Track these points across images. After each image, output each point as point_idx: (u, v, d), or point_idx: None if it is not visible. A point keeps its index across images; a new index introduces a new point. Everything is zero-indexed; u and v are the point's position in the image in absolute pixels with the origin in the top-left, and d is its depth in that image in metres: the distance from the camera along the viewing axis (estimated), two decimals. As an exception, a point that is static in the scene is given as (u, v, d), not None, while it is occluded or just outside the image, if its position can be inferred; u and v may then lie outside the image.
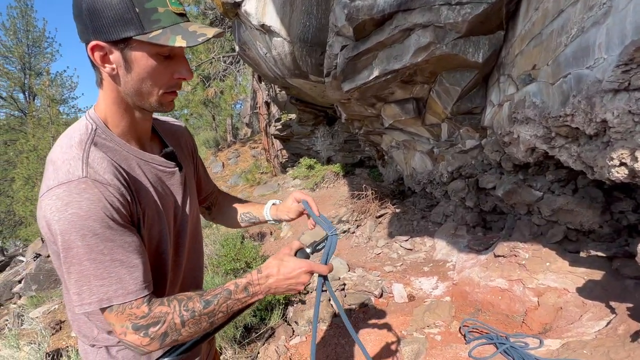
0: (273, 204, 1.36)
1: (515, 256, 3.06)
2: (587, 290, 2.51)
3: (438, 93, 3.28)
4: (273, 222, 1.35)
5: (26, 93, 18.59)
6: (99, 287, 0.80)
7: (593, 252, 2.69)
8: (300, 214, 1.30)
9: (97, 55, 0.82)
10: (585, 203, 2.76)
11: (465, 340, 2.56)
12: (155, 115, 1.12)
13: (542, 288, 2.73)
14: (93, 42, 0.80)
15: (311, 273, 0.99)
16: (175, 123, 1.23)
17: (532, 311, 2.67)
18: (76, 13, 0.82)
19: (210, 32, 0.83)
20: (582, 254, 2.76)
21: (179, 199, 1.06)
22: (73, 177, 0.78)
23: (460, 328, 2.71)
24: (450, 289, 3.36)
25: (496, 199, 3.73)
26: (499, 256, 3.20)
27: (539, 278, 2.78)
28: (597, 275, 2.55)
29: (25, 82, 18.42)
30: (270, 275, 0.95)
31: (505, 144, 2.86)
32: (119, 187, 0.83)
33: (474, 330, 2.64)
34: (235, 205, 1.41)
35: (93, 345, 1.00)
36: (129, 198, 0.85)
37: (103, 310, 0.83)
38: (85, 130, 0.87)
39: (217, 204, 1.42)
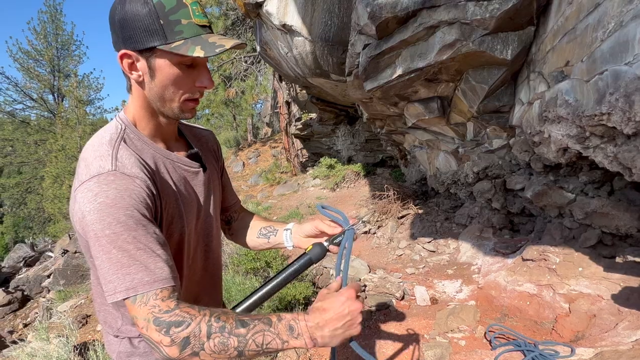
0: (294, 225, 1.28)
1: (545, 260, 2.95)
2: (624, 298, 2.39)
3: (464, 91, 3.20)
4: (290, 242, 1.25)
5: (55, 94, 19.29)
6: (125, 275, 0.80)
7: (630, 258, 2.57)
8: (316, 234, 1.19)
9: (126, 62, 0.89)
10: (622, 206, 2.63)
11: (491, 346, 2.49)
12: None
13: (574, 294, 2.62)
14: (122, 51, 0.87)
15: (357, 295, 0.88)
16: (203, 129, 1.27)
17: (563, 318, 2.57)
18: (110, 24, 0.89)
19: (229, 43, 0.87)
20: (618, 260, 2.65)
21: (202, 199, 1.09)
22: (103, 170, 0.83)
23: (485, 333, 2.64)
24: (475, 292, 3.27)
25: (525, 200, 3.61)
26: (527, 260, 3.10)
27: (570, 284, 2.68)
28: (635, 282, 2.44)
29: (55, 84, 19.11)
30: (318, 315, 0.84)
31: (535, 143, 2.76)
32: (146, 180, 0.87)
33: (501, 336, 2.56)
34: (257, 220, 1.36)
35: (117, 336, 1.03)
36: (154, 192, 0.89)
37: (128, 300, 0.82)
38: (115, 130, 0.93)
39: (238, 219, 1.38)
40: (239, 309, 1.03)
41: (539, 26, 2.55)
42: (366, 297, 3.39)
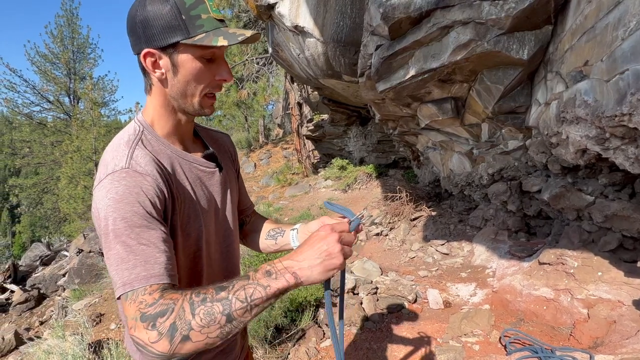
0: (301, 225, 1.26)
1: (563, 264, 2.89)
2: (645, 304, 2.33)
3: (478, 92, 3.15)
4: (296, 242, 1.23)
5: (71, 97, 19.65)
6: (124, 270, 0.78)
7: (652, 263, 2.50)
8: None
9: (149, 61, 0.90)
10: (644, 209, 2.56)
11: (506, 351, 2.45)
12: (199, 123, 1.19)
13: (593, 299, 2.56)
14: (145, 50, 0.89)
15: (339, 233, 0.85)
16: (219, 131, 1.29)
17: (581, 324, 2.51)
18: (130, 27, 0.91)
19: (248, 32, 0.91)
20: None
21: (219, 199, 1.10)
22: (117, 168, 0.85)
23: (500, 338, 2.60)
24: (489, 296, 3.22)
25: (541, 203, 3.54)
26: (544, 264, 3.04)
27: (589, 288, 2.61)
28: (657, 287, 2.37)
29: (70, 86, 19.46)
30: (294, 255, 0.83)
31: (552, 145, 2.70)
32: (158, 179, 0.88)
33: (516, 341, 2.52)
34: (267, 222, 1.36)
35: None
36: (166, 193, 0.89)
37: (123, 297, 0.79)
38: (133, 131, 0.95)
39: (250, 223, 1.39)
40: None
41: (557, 25, 2.50)
42: (378, 300, 3.36)
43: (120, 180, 0.83)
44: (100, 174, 0.87)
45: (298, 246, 0.87)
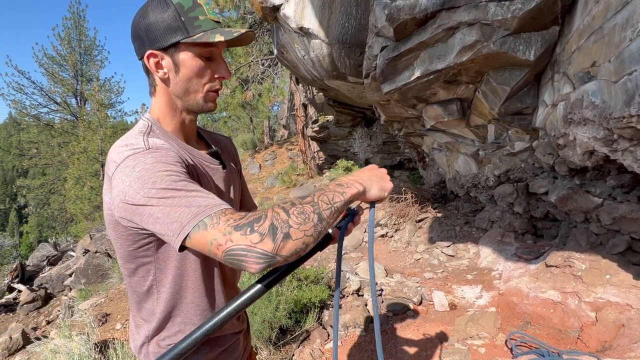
0: None
1: (570, 267, 2.86)
2: (654, 307, 2.30)
3: (484, 93, 3.14)
4: None
5: (78, 98, 19.81)
6: (189, 207, 0.76)
7: (661, 266, 2.47)
8: None
9: (152, 62, 0.95)
10: (652, 211, 2.53)
11: (512, 354, 2.43)
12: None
13: (601, 302, 2.53)
14: (148, 52, 0.94)
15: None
16: (221, 135, 1.33)
17: (589, 327, 2.49)
18: (134, 33, 0.97)
19: (243, 30, 0.97)
20: (648, 267, 2.55)
21: (224, 194, 1.12)
22: (137, 150, 0.86)
23: (506, 341, 2.58)
24: (495, 299, 3.20)
25: (548, 204, 3.52)
26: (551, 266, 3.02)
27: (597, 291, 2.59)
28: (666, 290, 2.34)
29: (77, 88, 19.64)
30: (354, 174, 0.98)
31: (559, 146, 2.68)
32: (178, 154, 0.92)
33: (522, 344, 2.50)
34: None
35: (148, 336, 1.02)
36: (187, 164, 0.94)
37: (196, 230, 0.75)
38: (143, 126, 0.99)
39: None
40: (247, 295, 0.95)
41: (564, 26, 2.48)
42: (383, 302, 3.35)
43: (145, 155, 0.83)
44: (114, 162, 0.85)
45: (354, 172, 0.99)
